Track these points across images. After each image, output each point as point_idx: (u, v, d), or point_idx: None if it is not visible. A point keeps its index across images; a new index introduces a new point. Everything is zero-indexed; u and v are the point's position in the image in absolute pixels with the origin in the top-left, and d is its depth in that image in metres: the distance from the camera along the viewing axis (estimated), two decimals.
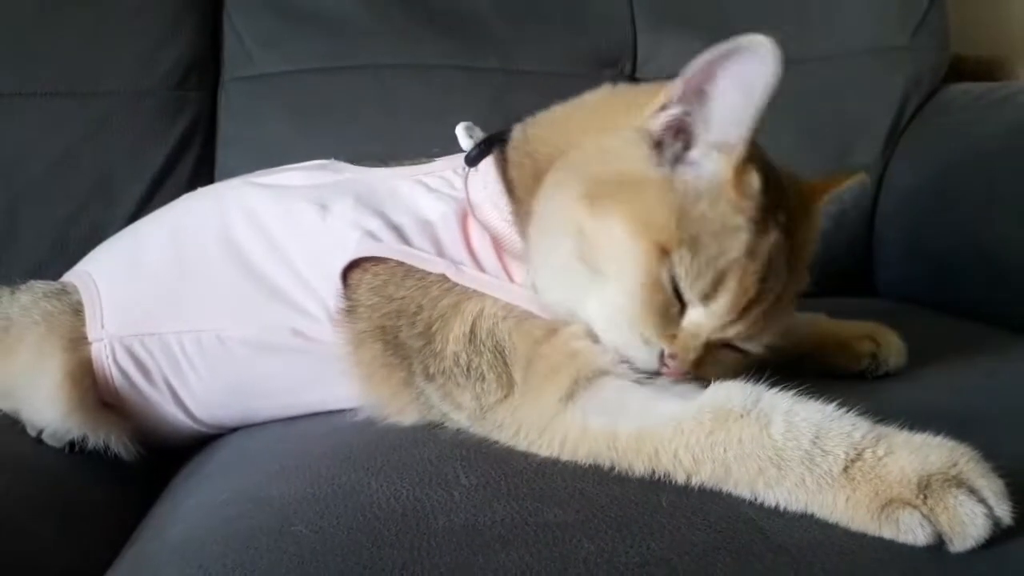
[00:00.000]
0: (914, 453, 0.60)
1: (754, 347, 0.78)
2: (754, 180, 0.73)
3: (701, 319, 0.74)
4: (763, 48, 0.67)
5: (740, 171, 0.72)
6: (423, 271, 0.82)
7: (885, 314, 0.99)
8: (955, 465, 0.59)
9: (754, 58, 0.67)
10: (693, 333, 0.74)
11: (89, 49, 1.38)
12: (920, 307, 1.30)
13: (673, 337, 0.74)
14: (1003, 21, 1.67)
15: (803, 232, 0.80)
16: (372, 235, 0.85)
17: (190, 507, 0.76)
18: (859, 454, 0.61)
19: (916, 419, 0.64)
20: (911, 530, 0.57)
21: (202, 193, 1.04)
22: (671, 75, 0.75)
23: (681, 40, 1.47)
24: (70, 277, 0.98)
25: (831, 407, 0.65)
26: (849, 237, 1.47)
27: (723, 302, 0.73)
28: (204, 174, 1.42)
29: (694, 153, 0.74)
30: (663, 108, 0.75)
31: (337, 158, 1.01)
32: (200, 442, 0.95)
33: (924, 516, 0.57)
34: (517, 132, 0.89)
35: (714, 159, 0.73)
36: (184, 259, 0.92)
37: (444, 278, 0.81)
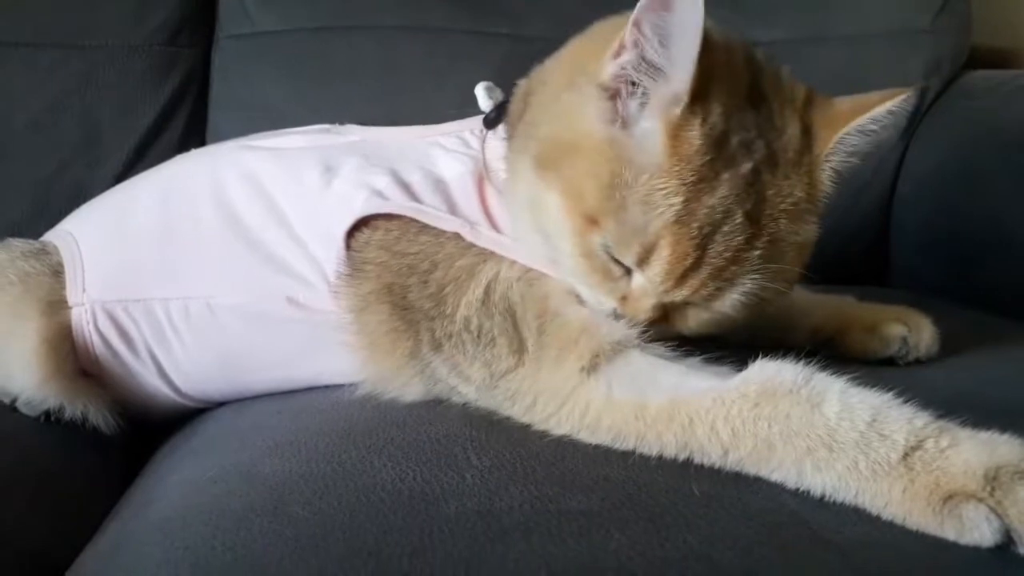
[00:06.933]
0: (981, 446, 0.56)
1: (723, 308, 0.70)
2: (693, 138, 0.65)
3: (643, 284, 0.70)
4: None
5: (679, 127, 0.65)
6: (438, 228, 0.79)
7: (902, 304, 0.94)
8: None
9: None
10: (638, 297, 0.71)
11: None
12: (938, 298, 1.26)
13: (624, 299, 0.72)
14: (1019, 12, 1.63)
15: (784, 176, 0.69)
16: (380, 193, 0.81)
17: (174, 483, 0.72)
18: (920, 442, 0.57)
19: (956, 409, 0.60)
20: (976, 526, 0.53)
21: (197, 154, 1.00)
22: None
23: None
24: (51, 237, 0.94)
25: (889, 395, 0.61)
26: (864, 224, 1.43)
27: (657, 269, 0.68)
28: (195, 135, 1.37)
29: (646, 108, 0.67)
30: (616, 55, 0.68)
31: (341, 122, 0.96)
32: (186, 416, 0.90)
33: (991, 509, 0.53)
34: (517, 88, 0.83)
35: (655, 114, 0.66)
36: (174, 222, 0.87)
37: (459, 236, 0.78)
